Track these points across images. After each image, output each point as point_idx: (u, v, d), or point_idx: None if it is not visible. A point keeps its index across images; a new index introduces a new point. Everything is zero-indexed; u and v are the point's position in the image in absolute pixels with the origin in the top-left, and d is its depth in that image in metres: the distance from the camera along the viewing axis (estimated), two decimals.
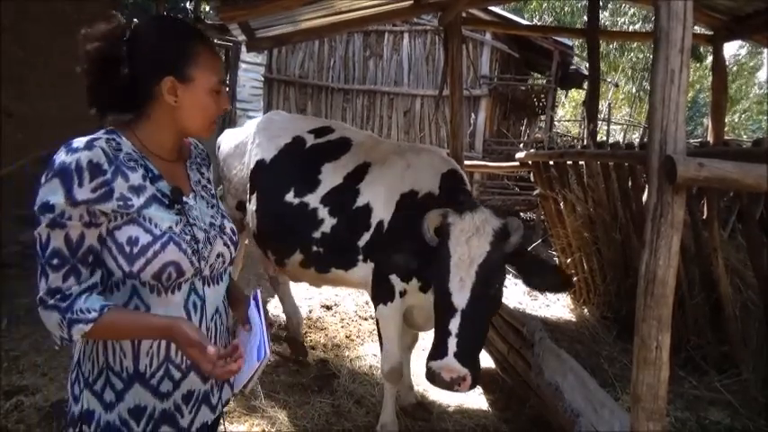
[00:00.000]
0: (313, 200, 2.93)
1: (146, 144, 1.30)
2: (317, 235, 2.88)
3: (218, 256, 1.37)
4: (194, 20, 9.04)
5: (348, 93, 10.22)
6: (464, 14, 4.13)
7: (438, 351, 2.04)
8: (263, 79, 10.42)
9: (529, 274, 2.22)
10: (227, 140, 3.59)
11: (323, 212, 2.89)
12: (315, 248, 2.90)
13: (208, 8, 10.19)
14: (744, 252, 3.33)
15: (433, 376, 2.04)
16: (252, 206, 3.20)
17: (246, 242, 3.72)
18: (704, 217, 3.27)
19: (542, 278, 2.21)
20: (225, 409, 1.52)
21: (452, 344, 2.00)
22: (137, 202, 1.22)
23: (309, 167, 3.03)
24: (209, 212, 1.41)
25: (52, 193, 1.14)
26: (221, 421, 1.50)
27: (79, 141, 1.19)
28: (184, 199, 1.32)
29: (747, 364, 3.13)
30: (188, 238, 1.27)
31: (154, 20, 1.54)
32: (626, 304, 3.96)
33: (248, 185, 3.26)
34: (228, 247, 1.40)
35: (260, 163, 3.22)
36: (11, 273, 4.41)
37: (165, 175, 1.31)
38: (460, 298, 2.05)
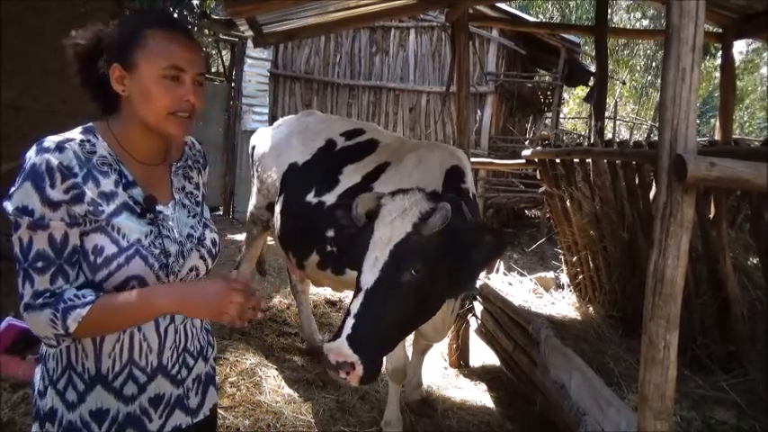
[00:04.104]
0: (330, 199, 2.91)
1: (122, 143, 1.25)
2: (330, 233, 2.85)
3: (191, 269, 1.31)
4: (200, 15, 9.07)
5: (354, 89, 10.20)
6: (471, 11, 4.10)
7: (336, 332, 1.87)
8: (268, 75, 10.42)
9: (466, 252, 1.98)
10: (263, 140, 3.56)
11: None
12: (329, 248, 2.88)
13: (213, 4, 10.20)
14: (752, 251, 3.31)
15: (325, 359, 1.84)
16: (277, 207, 3.21)
17: (270, 241, 3.75)
18: (712, 216, 3.25)
19: (479, 249, 1.97)
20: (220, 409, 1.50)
21: (349, 325, 1.80)
22: (107, 209, 1.17)
23: (333, 169, 3.01)
24: (189, 222, 1.34)
25: (27, 196, 1.10)
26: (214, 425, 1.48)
27: (50, 141, 1.14)
28: (159, 208, 1.26)
29: (754, 364, 3.10)
30: (157, 251, 1.21)
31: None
32: (632, 303, 3.95)
33: (279, 187, 3.26)
34: (205, 260, 1.35)
35: (292, 166, 3.23)
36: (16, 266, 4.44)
37: (142, 181, 1.25)
38: (368, 277, 1.88)
